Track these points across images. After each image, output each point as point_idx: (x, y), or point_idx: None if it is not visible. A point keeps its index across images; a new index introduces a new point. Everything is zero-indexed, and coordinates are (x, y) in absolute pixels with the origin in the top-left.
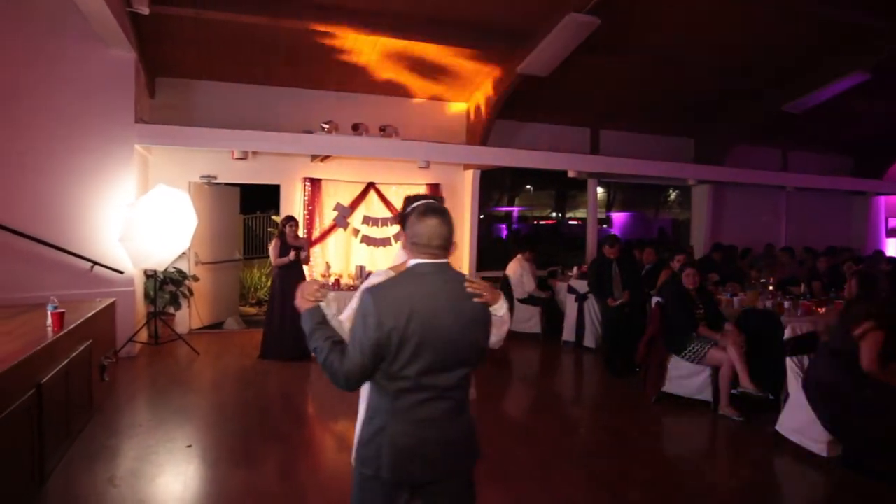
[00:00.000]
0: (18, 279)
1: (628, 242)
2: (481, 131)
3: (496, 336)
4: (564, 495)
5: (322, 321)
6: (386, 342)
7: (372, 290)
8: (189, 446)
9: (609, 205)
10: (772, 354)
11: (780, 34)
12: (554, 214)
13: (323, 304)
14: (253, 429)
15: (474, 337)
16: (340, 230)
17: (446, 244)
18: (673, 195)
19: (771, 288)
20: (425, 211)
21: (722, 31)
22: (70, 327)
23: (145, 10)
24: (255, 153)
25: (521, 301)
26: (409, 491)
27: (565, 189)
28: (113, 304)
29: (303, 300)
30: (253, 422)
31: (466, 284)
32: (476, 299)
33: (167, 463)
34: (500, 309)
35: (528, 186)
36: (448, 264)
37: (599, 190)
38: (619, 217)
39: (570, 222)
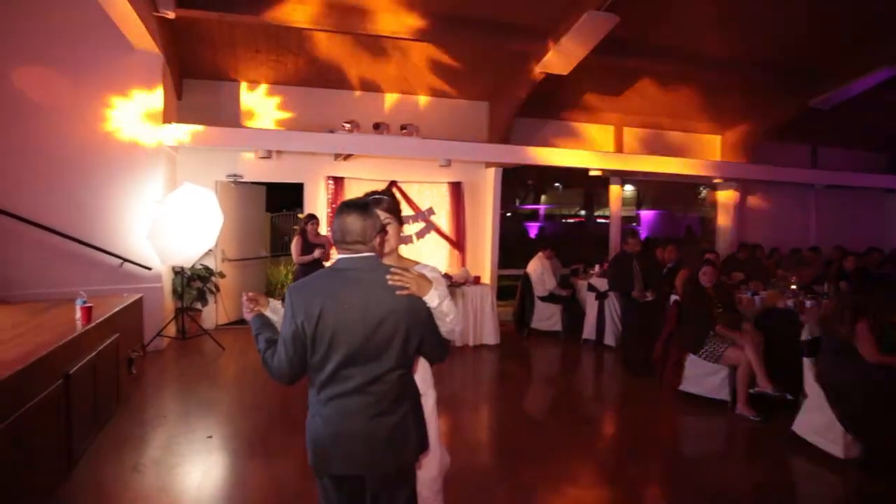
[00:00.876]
0: (51, 274)
1: (653, 241)
2: (503, 129)
3: (444, 327)
4: (576, 491)
5: (262, 327)
6: (302, 335)
7: (291, 288)
8: (210, 437)
9: (639, 203)
10: (790, 354)
11: (807, 27)
12: (583, 213)
13: (267, 312)
14: (273, 421)
15: (394, 331)
16: None
17: (364, 239)
18: (704, 193)
19: (794, 287)
20: (341, 208)
21: (746, 25)
22: (98, 321)
23: (171, 14)
24: (279, 152)
25: (542, 299)
26: (348, 483)
27: (594, 187)
28: (140, 300)
29: (245, 312)
30: (274, 415)
31: (388, 277)
32: (399, 292)
33: (189, 452)
34: (431, 299)
35: (557, 184)
36: (373, 258)
37: (629, 188)
38: (647, 215)
39: (598, 220)
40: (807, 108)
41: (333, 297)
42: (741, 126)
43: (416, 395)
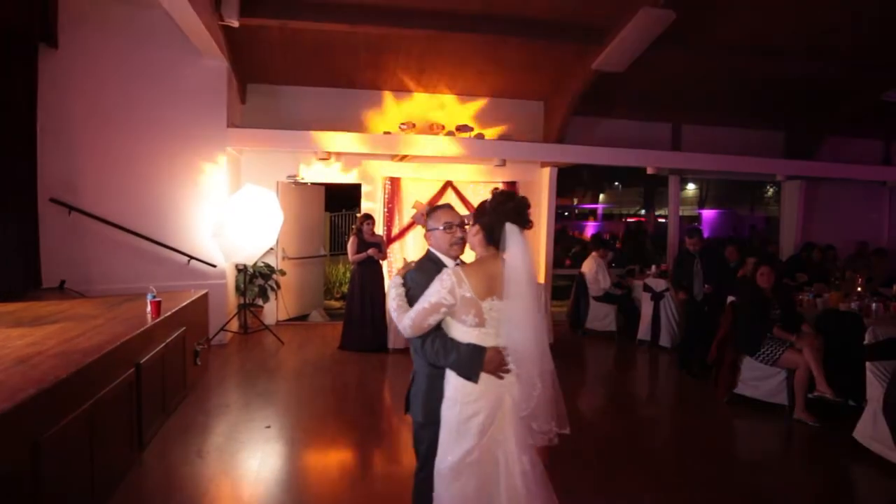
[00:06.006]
0: (125, 271)
1: (718, 241)
2: (558, 128)
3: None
4: (618, 489)
5: None
6: None
7: None
8: (268, 427)
9: (701, 202)
10: (852, 359)
11: (879, 13)
12: (642, 212)
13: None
14: (328, 413)
15: None
16: (419, 227)
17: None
18: (771, 191)
19: (860, 289)
20: None
21: (812, 14)
22: (166, 315)
23: (235, 23)
24: (337, 154)
25: (597, 299)
26: None
27: (654, 186)
28: (205, 295)
29: None
30: (328, 407)
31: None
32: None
33: (249, 440)
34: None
35: (617, 183)
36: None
37: (691, 186)
38: (708, 214)
39: (660, 220)
40: (880, 101)
41: None
42: (807, 120)
43: (432, 369)
